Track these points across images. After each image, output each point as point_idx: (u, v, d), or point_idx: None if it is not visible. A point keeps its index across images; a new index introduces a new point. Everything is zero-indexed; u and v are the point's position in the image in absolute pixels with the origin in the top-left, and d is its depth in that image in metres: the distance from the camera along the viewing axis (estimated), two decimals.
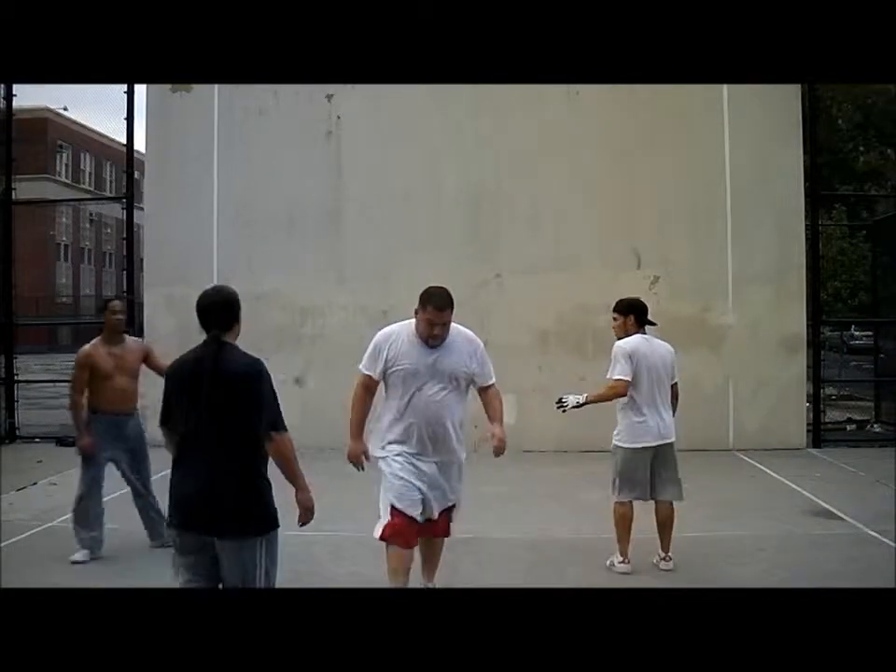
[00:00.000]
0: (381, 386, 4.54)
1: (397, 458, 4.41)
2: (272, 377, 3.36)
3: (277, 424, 3.39)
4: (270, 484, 3.36)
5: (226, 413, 3.28)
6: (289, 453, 3.41)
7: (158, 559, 5.10)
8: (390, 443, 4.44)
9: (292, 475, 3.43)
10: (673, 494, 5.51)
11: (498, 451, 4.37)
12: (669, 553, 5.48)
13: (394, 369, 4.37)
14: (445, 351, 4.37)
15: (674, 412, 5.55)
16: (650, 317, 5.60)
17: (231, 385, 3.29)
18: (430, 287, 4.38)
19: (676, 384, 5.56)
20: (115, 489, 6.15)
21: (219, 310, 3.43)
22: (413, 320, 4.40)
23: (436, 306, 4.28)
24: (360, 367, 4.48)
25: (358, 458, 4.47)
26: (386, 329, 4.50)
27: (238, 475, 3.29)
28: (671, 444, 5.48)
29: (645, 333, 5.52)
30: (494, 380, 4.57)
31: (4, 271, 11.47)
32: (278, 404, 3.39)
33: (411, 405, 4.37)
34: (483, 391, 4.57)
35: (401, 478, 4.37)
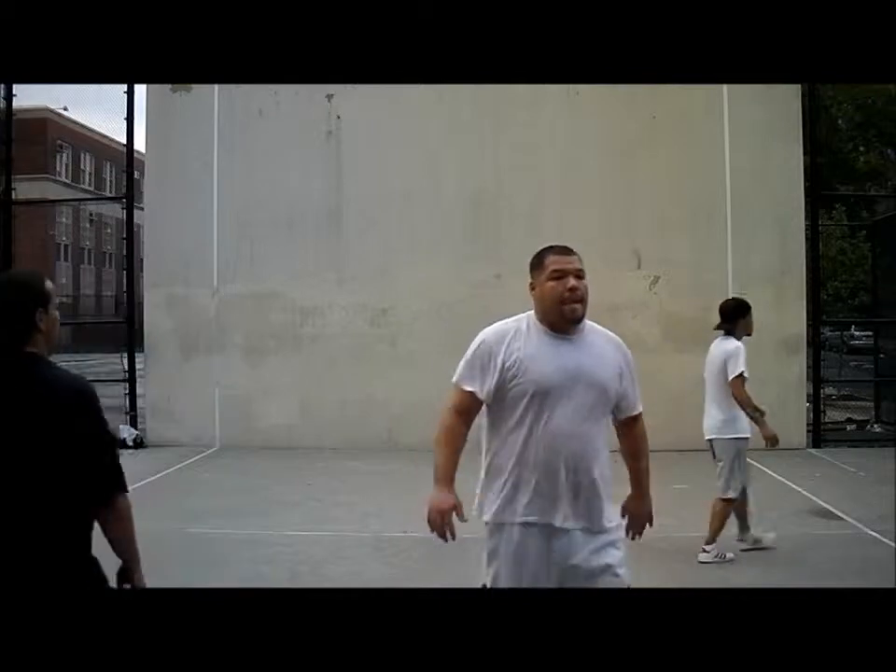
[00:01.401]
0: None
1: (514, 540, 2.84)
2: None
3: (122, 479, 2.41)
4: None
5: (45, 459, 2.28)
6: (132, 520, 2.45)
7: (156, 559, 5.08)
8: (501, 503, 2.86)
9: (132, 548, 2.49)
10: (718, 488, 5.77)
11: (637, 534, 3.04)
12: (705, 546, 5.68)
13: (516, 382, 2.80)
14: (589, 351, 2.89)
15: (743, 408, 5.64)
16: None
17: (54, 416, 2.29)
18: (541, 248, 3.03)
19: (733, 380, 5.63)
20: None
21: (8, 309, 2.36)
22: (528, 313, 2.95)
23: (558, 251, 2.93)
24: (455, 381, 2.90)
25: (446, 517, 2.77)
26: (495, 326, 2.94)
27: (66, 552, 2.36)
28: (713, 441, 5.76)
29: (726, 335, 5.87)
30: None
31: (3, 271, 11.49)
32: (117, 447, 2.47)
33: (538, 439, 2.80)
34: (629, 427, 3.05)
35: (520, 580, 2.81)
